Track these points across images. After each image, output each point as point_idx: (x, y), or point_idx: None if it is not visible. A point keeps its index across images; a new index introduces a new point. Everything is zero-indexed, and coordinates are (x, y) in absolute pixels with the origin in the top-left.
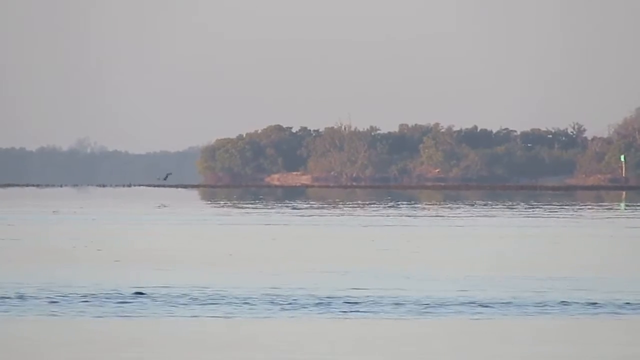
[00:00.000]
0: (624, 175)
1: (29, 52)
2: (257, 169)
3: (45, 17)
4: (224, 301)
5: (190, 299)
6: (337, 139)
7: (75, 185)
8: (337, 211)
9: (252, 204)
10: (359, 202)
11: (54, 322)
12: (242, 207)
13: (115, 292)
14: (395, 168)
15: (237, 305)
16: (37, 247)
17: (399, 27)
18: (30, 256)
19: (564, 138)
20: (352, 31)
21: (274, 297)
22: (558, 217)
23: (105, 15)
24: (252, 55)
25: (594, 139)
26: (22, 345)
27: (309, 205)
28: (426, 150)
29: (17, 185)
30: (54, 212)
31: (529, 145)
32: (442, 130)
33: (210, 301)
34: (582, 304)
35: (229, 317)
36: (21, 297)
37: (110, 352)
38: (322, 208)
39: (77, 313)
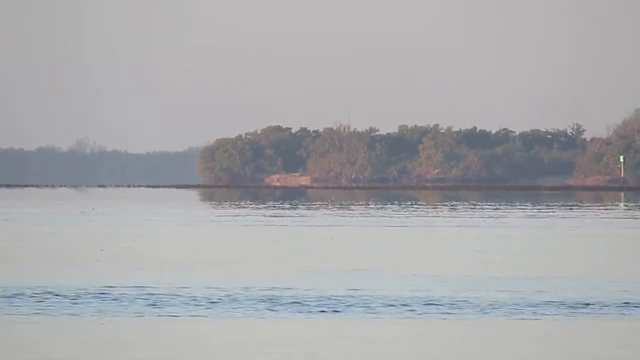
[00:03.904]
0: (622, 175)
1: (28, 52)
2: (257, 169)
3: (45, 16)
4: (221, 301)
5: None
6: (336, 140)
7: (74, 186)
8: (338, 212)
9: (254, 205)
10: (359, 202)
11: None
12: (245, 208)
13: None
14: (394, 169)
15: (226, 305)
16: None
17: (400, 30)
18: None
19: (563, 139)
20: (351, 33)
21: (276, 297)
22: (557, 217)
23: (104, 14)
24: (251, 55)
25: (593, 139)
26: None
27: (314, 206)
28: (425, 151)
29: (17, 185)
30: (81, 212)
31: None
32: (442, 130)
33: (211, 302)
34: (580, 304)
35: (225, 318)
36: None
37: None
38: (325, 209)
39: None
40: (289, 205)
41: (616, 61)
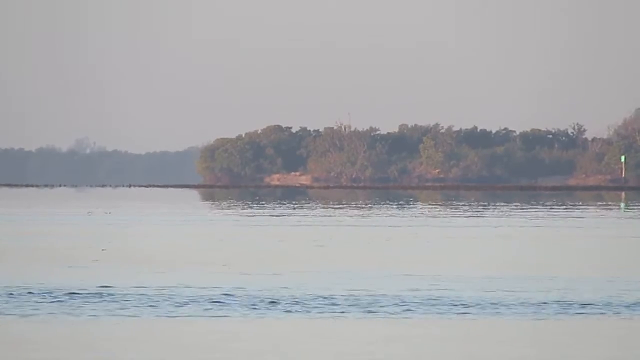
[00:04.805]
0: (623, 175)
1: (28, 52)
2: (257, 169)
3: (45, 17)
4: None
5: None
6: (336, 139)
7: (74, 186)
8: (341, 212)
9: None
10: (361, 203)
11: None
12: (245, 208)
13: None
14: (395, 168)
15: (225, 305)
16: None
17: (400, 30)
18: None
19: (564, 138)
20: (352, 35)
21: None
22: (557, 217)
23: (104, 15)
24: (252, 55)
25: (594, 139)
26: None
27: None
28: (426, 151)
29: (17, 185)
30: (88, 213)
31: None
32: (442, 130)
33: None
34: (579, 304)
35: (224, 317)
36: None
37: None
38: (331, 209)
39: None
40: (290, 205)
41: (617, 61)
